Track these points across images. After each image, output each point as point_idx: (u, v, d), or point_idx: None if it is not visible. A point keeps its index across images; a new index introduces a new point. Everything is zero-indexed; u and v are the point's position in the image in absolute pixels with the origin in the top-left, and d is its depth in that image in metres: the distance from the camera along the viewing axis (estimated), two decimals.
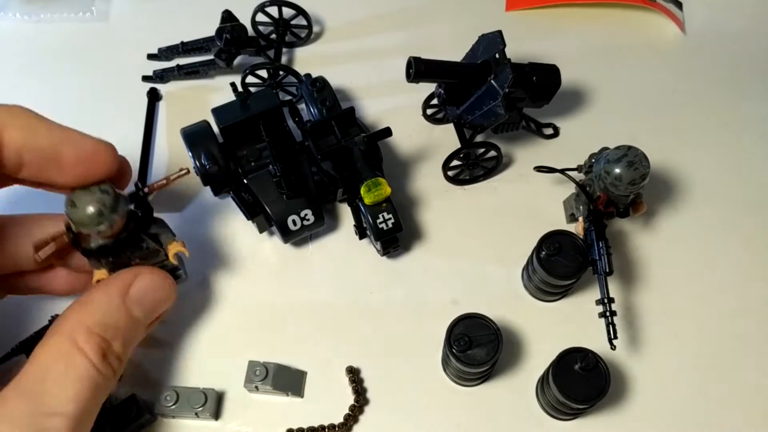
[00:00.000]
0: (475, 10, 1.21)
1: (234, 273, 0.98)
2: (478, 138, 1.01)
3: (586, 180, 0.93)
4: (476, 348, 0.82)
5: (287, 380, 0.89)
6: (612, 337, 0.83)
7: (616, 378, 0.90)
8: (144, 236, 0.81)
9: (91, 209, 0.74)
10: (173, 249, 0.82)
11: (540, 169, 0.93)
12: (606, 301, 0.85)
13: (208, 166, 0.92)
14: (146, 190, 0.80)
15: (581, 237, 0.89)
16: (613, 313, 0.84)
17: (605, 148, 0.91)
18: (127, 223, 0.78)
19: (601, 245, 0.87)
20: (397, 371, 0.91)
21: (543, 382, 0.86)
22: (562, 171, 0.93)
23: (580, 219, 0.91)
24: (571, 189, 0.97)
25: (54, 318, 0.94)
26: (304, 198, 0.94)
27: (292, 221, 0.93)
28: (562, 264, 0.87)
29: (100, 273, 0.81)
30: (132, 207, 0.80)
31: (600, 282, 0.86)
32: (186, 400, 0.86)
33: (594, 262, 0.87)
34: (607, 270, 0.86)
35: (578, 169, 0.95)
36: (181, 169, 0.81)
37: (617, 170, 0.85)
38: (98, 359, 0.71)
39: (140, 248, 0.81)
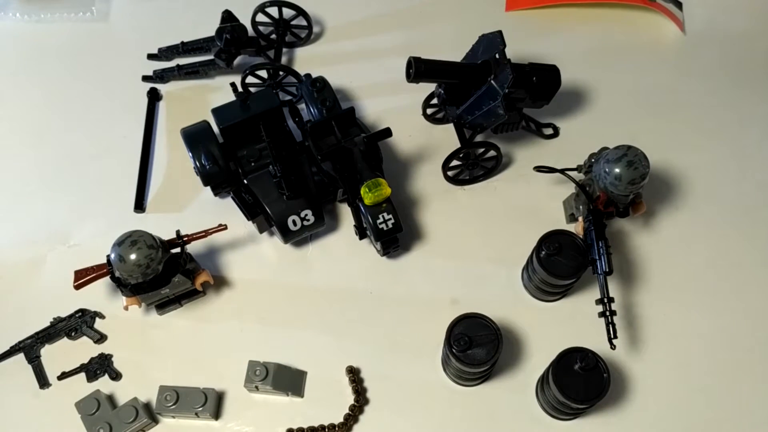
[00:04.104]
0: (475, 10, 1.21)
1: (234, 273, 0.98)
2: (478, 138, 1.01)
3: (586, 180, 0.93)
4: (476, 348, 0.82)
5: (287, 380, 0.89)
6: (612, 336, 0.83)
7: (616, 378, 0.90)
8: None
9: (139, 263, 0.81)
10: (200, 279, 0.91)
11: (540, 169, 0.93)
12: (606, 300, 0.85)
13: (208, 167, 0.92)
14: (185, 239, 0.88)
15: (581, 237, 0.89)
16: (613, 313, 0.84)
17: (605, 148, 0.91)
18: (165, 266, 0.85)
19: (600, 245, 0.87)
20: (397, 371, 0.91)
21: (543, 382, 0.86)
22: (562, 171, 0.93)
23: (580, 219, 0.91)
24: (571, 189, 0.97)
25: (56, 320, 0.94)
26: (304, 198, 0.93)
27: (292, 221, 0.93)
28: (562, 264, 0.87)
29: (131, 301, 0.88)
30: (172, 251, 0.87)
31: (600, 282, 0.86)
32: (186, 400, 0.86)
33: (594, 261, 0.87)
34: (607, 270, 0.86)
35: (578, 169, 0.95)
36: (219, 225, 0.90)
37: (617, 170, 0.85)
38: None
39: (170, 281, 0.87)
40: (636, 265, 0.98)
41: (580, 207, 0.92)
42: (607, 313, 0.84)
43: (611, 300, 0.85)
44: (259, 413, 0.89)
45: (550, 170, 0.93)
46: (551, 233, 0.89)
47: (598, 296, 0.85)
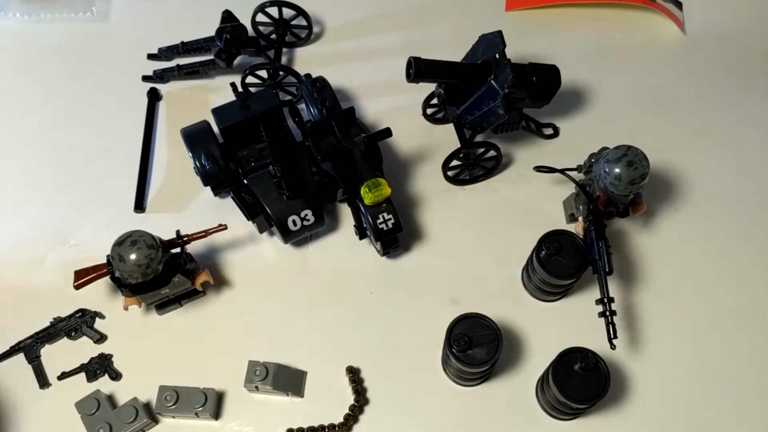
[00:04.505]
0: (475, 10, 1.21)
1: (234, 273, 0.98)
2: (478, 138, 1.01)
3: (586, 180, 0.93)
4: (476, 348, 0.82)
5: (287, 380, 0.89)
6: (612, 336, 0.83)
7: (616, 378, 0.90)
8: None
9: (139, 263, 0.81)
10: (200, 279, 0.91)
11: (540, 169, 0.93)
12: (606, 300, 0.85)
13: (208, 167, 0.92)
14: (185, 239, 0.88)
15: (581, 237, 0.89)
16: (613, 313, 0.84)
17: (605, 148, 0.91)
18: (165, 266, 0.84)
19: (601, 245, 0.87)
20: (397, 371, 0.91)
21: (543, 382, 0.86)
22: (562, 171, 0.93)
23: (580, 219, 0.91)
24: (571, 189, 0.97)
25: (56, 320, 0.94)
26: (304, 198, 0.93)
27: (292, 222, 0.93)
28: (562, 263, 0.87)
29: (130, 301, 0.87)
30: (173, 251, 0.87)
31: (600, 282, 0.86)
32: (186, 400, 0.86)
33: (594, 261, 0.87)
34: (607, 270, 0.86)
35: (578, 169, 0.95)
36: (219, 225, 0.89)
37: (617, 170, 0.85)
38: None
39: (170, 281, 0.86)
40: (636, 265, 0.98)
41: (580, 207, 0.92)
42: (607, 313, 0.84)
43: (611, 300, 0.85)
44: (259, 413, 0.89)
45: (550, 170, 0.93)
46: (551, 233, 0.89)
47: (598, 296, 0.85)
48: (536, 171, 0.93)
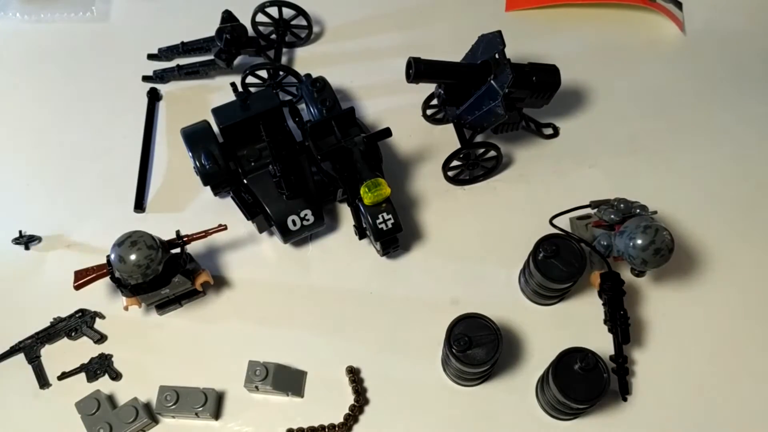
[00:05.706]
0: (475, 10, 1.21)
1: (234, 273, 0.98)
2: (478, 138, 1.01)
3: (597, 230, 0.91)
4: (476, 348, 0.82)
5: (287, 380, 0.89)
6: (625, 392, 0.86)
7: (616, 378, 0.90)
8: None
9: (139, 264, 0.81)
10: (200, 279, 0.91)
11: (554, 225, 0.93)
12: (620, 361, 0.87)
13: (207, 166, 0.92)
14: (185, 239, 0.88)
15: (596, 288, 0.90)
16: (626, 371, 0.86)
17: (622, 201, 0.90)
18: (165, 267, 0.84)
19: (619, 316, 0.87)
20: (397, 371, 0.91)
21: (543, 382, 0.86)
22: (577, 239, 0.90)
23: (596, 273, 0.90)
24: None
25: (56, 320, 0.94)
26: (304, 198, 0.94)
27: (292, 221, 0.93)
28: (559, 268, 0.87)
29: (131, 301, 0.88)
30: (173, 251, 0.87)
31: (615, 343, 0.87)
32: (186, 400, 0.86)
33: (611, 327, 0.88)
34: (624, 341, 0.87)
35: (591, 205, 0.94)
36: (219, 225, 0.90)
37: (644, 257, 0.84)
38: None
39: (170, 282, 0.87)
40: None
41: (595, 261, 0.92)
42: (621, 372, 0.86)
43: (625, 359, 0.87)
44: (259, 413, 0.89)
45: (567, 234, 0.91)
46: (549, 236, 0.88)
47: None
48: (551, 224, 0.94)
